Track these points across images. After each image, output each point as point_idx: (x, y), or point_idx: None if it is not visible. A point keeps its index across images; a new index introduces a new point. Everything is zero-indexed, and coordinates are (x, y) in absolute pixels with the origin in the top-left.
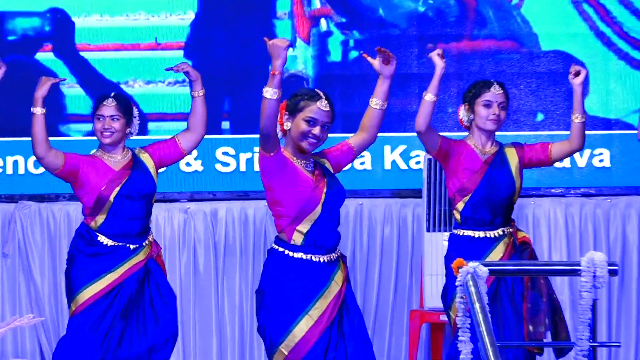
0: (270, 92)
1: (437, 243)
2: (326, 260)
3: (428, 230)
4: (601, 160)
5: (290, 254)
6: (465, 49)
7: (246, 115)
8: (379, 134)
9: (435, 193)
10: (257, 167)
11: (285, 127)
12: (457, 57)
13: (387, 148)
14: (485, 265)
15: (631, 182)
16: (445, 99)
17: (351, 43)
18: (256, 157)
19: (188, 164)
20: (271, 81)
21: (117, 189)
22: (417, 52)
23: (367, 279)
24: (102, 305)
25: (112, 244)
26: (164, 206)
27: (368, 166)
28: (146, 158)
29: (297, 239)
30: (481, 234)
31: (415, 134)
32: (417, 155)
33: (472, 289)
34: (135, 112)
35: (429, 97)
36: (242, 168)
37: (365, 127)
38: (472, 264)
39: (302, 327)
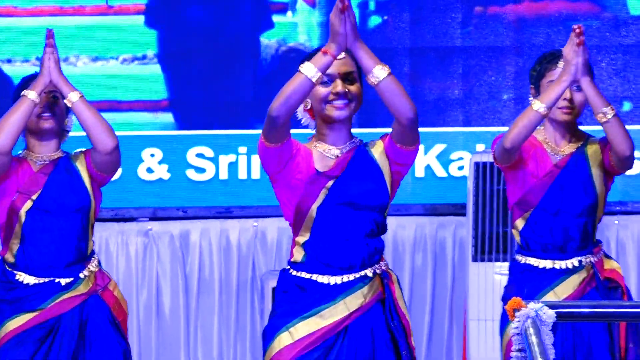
0: (311, 70)
1: (487, 277)
2: (338, 282)
3: (474, 260)
4: None
5: (293, 272)
6: (526, 14)
7: (229, 104)
8: None
9: (484, 209)
10: (242, 174)
11: (306, 106)
12: (515, 25)
13: (419, 148)
14: (552, 307)
15: None
16: (499, 81)
17: (371, 6)
18: (242, 159)
19: (150, 170)
20: (318, 59)
21: (30, 202)
22: (461, 19)
23: None
24: (30, 338)
25: (35, 281)
26: (116, 227)
27: None
28: (81, 164)
29: (297, 254)
30: (548, 263)
31: (457, 129)
32: (460, 159)
33: (533, 339)
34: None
35: (538, 106)
36: (223, 175)
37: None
38: (534, 306)
39: (277, 344)
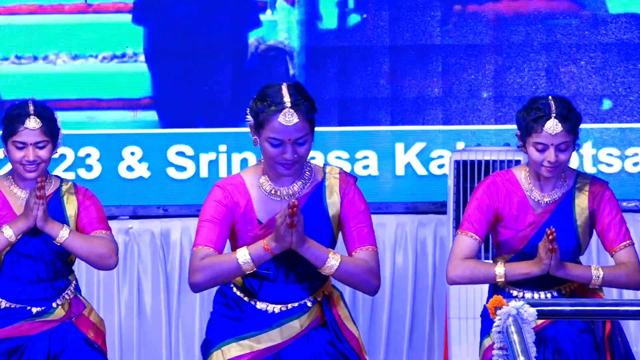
0: (246, 260)
1: None
2: (276, 311)
3: None
4: None
5: (234, 290)
6: (505, 12)
7: (210, 102)
8: (388, 128)
9: (465, 207)
10: (222, 172)
11: (255, 144)
12: (494, 24)
13: (399, 146)
14: (533, 305)
15: None
16: (478, 79)
17: (350, 4)
18: (222, 158)
19: (130, 168)
20: (257, 251)
21: (13, 241)
22: (440, 17)
23: (373, 324)
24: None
25: (6, 305)
26: None
27: (374, 171)
28: (71, 205)
29: (238, 278)
30: (527, 294)
31: (437, 127)
32: (441, 157)
33: (515, 337)
34: (59, 123)
35: (500, 274)
36: (204, 173)
37: None
38: (516, 304)
39: None
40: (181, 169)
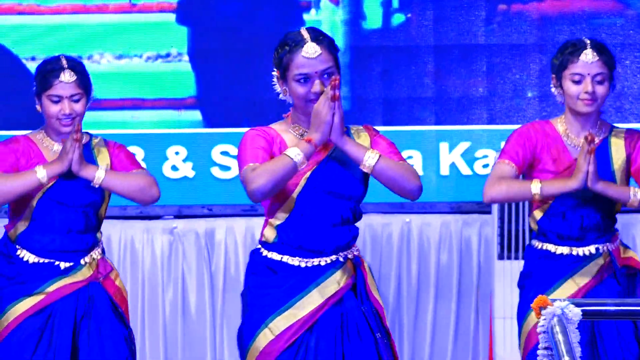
0: (297, 155)
1: (513, 274)
2: (309, 265)
3: (500, 258)
4: None
5: (264, 252)
6: (549, 11)
7: (254, 102)
8: (432, 127)
9: (509, 207)
10: None
11: (283, 97)
12: (539, 23)
13: (443, 146)
14: (578, 305)
15: None
16: (523, 79)
17: (395, 4)
18: None
19: (174, 168)
20: (303, 145)
21: (43, 190)
22: (485, 16)
23: (417, 323)
24: (31, 328)
25: (35, 260)
26: (141, 225)
27: (418, 170)
28: (103, 157)
29: (269, 234)
30: (565, 250)
31: (482, 127)
32: (485, 156)
33: (560, 337)
34: (90, 77)
35: (536, 189)
36: None
37: None
38: (560, 304)
39: (259, 343)
40: (225, 168)
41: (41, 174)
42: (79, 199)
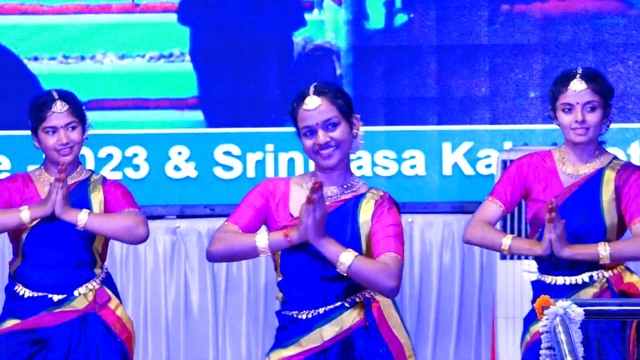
0: (263, 243)
1: (515, 274)
2: (314, 315)
3: (502, 258)
4: None
5: (282, 311)
6: (553, 12)
7: (258, 102)
8: (435, 127)
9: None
10: (269, 172)
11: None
12: (542, 23)
13: (446, 146)
14: (580, 305)
15: None
16: (525, 79)
17: (397, 4)
18: (269, 157)
19: (177, 168)
20: (276, 237)
21: (29, 227)
22: (488, 17)
23: (420, 323)
24: (16, 340)
25: (29, 294)
26: None
27: (421, 170)
28: (97, 194)
29: (278, 293)
30: (559, 279)
31: (484, 127)
32: (488, 156)
33: (562, 337)
34: (83, 108)
35: (505, 245)
36: (250, 173)
37: None
38: (563, 304)
39: None
40: (228, 168)
41: (25, 215)
42: (65, 237)
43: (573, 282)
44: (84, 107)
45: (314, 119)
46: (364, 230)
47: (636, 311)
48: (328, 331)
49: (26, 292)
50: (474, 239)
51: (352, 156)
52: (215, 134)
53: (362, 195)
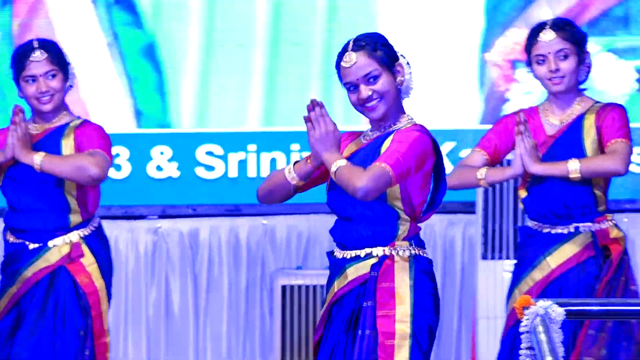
0: (290, 172)
1: (496, 274)
2: (342, 257)
3: (484, 258)
4: None
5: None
6: None
7: (241, 102)
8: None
9: (494, 207)
10: (251, 172)
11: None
12: None
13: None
14: (561, 304)
15: None
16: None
17: None
18: (251, 157)
19: (159, 168)
20: (301, 165)
21: (4, 170)
22: None
23: None
24: (5, 328)
25: (12, 240)
26: (126, 225)
27: None
28: (68, 139)
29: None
30: (546, 228)
31: (468, 127)
32: None
33: (542, 337)
34: (67, 56)
35: (481, 175)
36: (232, 173)
37: None
38: (543, 304)
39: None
40: (210, 168)
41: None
42: (33, 180)
43: (559, 231)
44: (66, 56)
45: (353, 75)
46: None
47: (617, 311)
48: (342, 278)
49: (10, 238)
50: (453, 182)
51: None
52: (197, 134)
53: (393, 131)
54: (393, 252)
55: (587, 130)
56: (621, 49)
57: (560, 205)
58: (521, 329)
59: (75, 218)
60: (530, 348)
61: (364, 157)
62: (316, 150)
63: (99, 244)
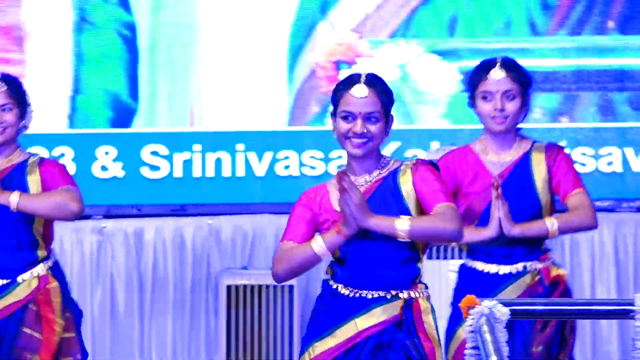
0: (321, 248)
1: (441, 274)
2: (356, 296)
3: (429, 258)
4: None
5: (329, 282)
6: None
7: (186, 102)
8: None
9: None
10: (197, 172)
11: (333, 134)
12: None
13: None
14: (506, 304)
15: None
16: None
17: None
18: (196, 157)
19: (104, 168)
20: (330, 237)
21: None
22: None
23: None
24: None
25: None
26: (70, 225)
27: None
28: (34, 176)
29: (330, 269)
30: (493, 268)
31: (411, 128)
32: (414, 157)
33: (488, 336)
34: (29, 97)
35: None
36: (177, 173)
37: None
38: (488, 304)
39: None
40: (155, 168)
41: None
42: (3, 219)
43: (507, 271)
44: (27, 96)
45: (358, 107)
46: (410, 200)
47: (562, 311)
48: (363, 322)
49: None
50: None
51: (287, 155)
52: (142, 133)
53: (397, 169)
54: (417, 294)
55: (536, 168)
56: (444, 50)
57: (508, 246)
58: (466, 329)
59: (41, 253)
60: (475, 347)
61: (382, 201)
62: (361, 218)
63: (61, 273)
